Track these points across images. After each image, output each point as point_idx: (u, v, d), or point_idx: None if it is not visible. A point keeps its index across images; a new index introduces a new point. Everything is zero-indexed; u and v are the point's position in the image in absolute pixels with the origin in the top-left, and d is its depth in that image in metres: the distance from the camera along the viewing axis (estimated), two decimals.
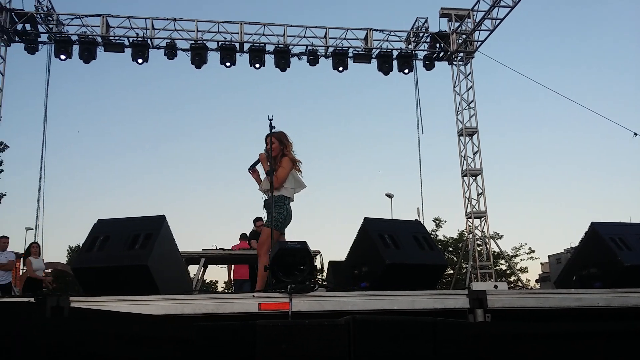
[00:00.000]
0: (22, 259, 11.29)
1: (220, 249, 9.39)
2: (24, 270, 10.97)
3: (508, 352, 2.91)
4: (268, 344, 2.50)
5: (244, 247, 9.94)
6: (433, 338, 2.71)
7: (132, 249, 3.45)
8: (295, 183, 5.18)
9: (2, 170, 20.20)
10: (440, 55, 14.35)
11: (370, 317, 2.77)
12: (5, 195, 21.26)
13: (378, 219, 4.25)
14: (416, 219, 4.65)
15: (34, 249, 10.51)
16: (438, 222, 24.15)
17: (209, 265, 9.72)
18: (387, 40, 13.93)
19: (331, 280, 5.02)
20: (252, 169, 5.35)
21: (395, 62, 13.71)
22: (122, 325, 2.83)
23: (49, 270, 12.77)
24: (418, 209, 15.34)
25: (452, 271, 17.99)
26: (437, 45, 14.18)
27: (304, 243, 3.97)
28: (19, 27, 12.87)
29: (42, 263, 10.62)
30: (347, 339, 2.53)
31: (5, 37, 12.83)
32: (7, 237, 10.67)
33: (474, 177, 13.77)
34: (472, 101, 14.06)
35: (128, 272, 3.38)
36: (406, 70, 13.71)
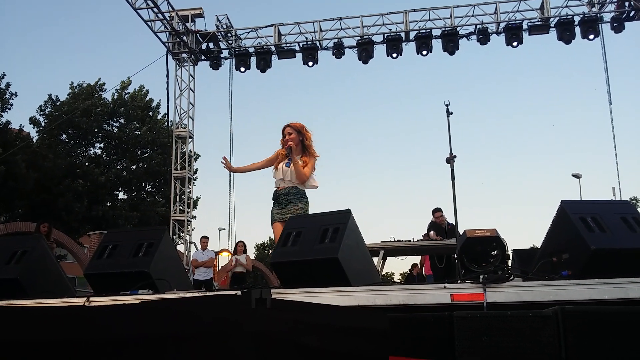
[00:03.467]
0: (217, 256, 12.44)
1: (399, 240, 9.39)
2: (220, 267, 12.08)
3: None
4: (468, 336, 2.39)
5: None
6: None
7: (322, 243, 3.55)
8: (310, 180, 4.98)
9: (196, 177, 22.52)
10: (631, 14, 12.80)
11: (583, 307, 2.50)
12: (200, 198, 23.81)
13: (577, 200, 3.86)
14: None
15: (239, 247, 11.67)
16: (636, 202, 21.68)
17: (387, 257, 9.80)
18: (566, 7, 12.82)
19: (517, 269, 4.71)
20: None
21: (577, 29, 12.61)
22: (319, 315, 2.93)
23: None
24: (613, 188, 13.87)
25: None
26: (627, 3, 12.66)
27: (494, 230, 3.77)
28: (204, 46, 14.19)
29: (243, 259, 11.66)
30: (556, 332, 2.31)
31: (193, 57, 14.27)
32: (207, 237, 11.81)
33: None
34: None
35: (320, 264, 3.49)
36: (591, 36, 12.53)
